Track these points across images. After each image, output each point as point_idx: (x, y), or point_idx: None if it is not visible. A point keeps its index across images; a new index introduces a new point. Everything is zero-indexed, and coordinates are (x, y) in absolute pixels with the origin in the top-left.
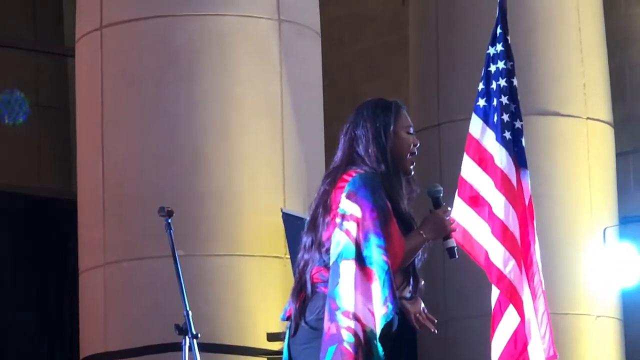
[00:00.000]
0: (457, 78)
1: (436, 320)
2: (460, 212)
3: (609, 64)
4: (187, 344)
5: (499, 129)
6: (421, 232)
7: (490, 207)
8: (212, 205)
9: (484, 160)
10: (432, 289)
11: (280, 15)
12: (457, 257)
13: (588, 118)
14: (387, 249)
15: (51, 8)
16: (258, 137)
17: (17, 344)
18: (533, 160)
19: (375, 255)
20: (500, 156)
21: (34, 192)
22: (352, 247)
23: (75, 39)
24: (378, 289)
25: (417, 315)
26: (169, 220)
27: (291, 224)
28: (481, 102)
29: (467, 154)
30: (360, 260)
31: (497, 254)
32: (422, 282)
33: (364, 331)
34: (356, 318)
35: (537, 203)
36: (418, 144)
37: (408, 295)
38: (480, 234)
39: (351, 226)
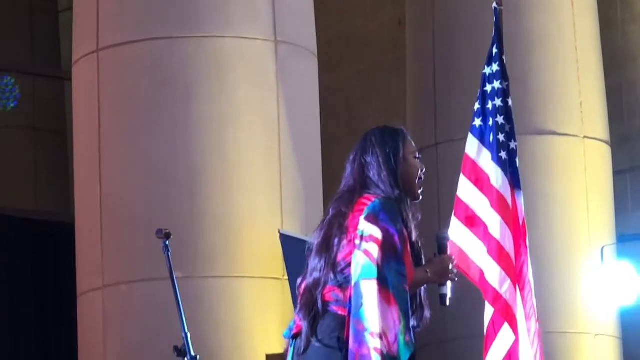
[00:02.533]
0: (454, 98)
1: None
2: (456, 232)
3: (605, 83)
4: None
5: (494, 149)
6: (427, 270)
7: (486, 227)
8: (209, 227)
9: (479, 180)
10: (431, 309)
11: (277, 36)
12: (447, 305)
13: (585, 137)
14: (407, 277)
15: (48, 31)
16: (255, 159)
17: None
18: (530, 179)
19: (396, 282)
20: (496, 176)
21: (31, 215)
22: (374, 268)
23: (72, 62)
24: (397, 314)
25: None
26: (167, 243)
27: (289, 245)
28: (477, 122)
29: (464, 173)
30: (382, 281)
31: (493, 274)
32: (428, 312)
33: (383, 353)
34: (381, 338)
35: (534, 222)
36: (424, 170)
37: (413, 323)
38: (476, 254)
39: (371, 247)
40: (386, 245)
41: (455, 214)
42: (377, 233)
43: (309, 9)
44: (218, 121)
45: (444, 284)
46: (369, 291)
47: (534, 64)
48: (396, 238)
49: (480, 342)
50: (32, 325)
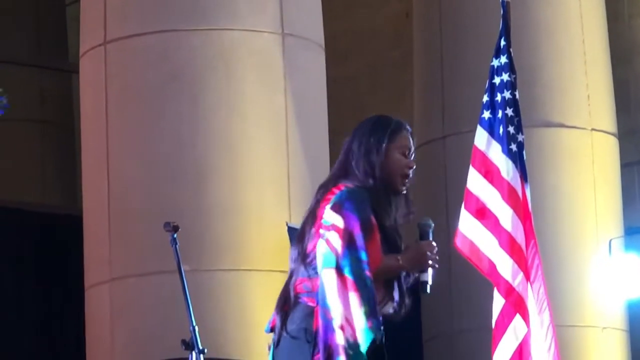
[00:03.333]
0: (461, 90)
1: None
2: (467, 225)
3: (613, 75)
4: (194, 359)
5: (505, 141)
6: (399, 257)
7: (497, 219)
8: (217, 220)
9: (490, 173)
10: (439, 302)
11: (284, 29)
12: (428, 292)
13: (592, 129)
14: (369, 264)
15: (55, 24)
16: (263, 151)
17: None
18: (538, 172)
19: (355, 268)
20: (507, 168)
21: (38, 208)
22: (333, 257)
23: (79, 55)
24: (357, 300)
25: (432, 255)
26: (175, 236)
27: None
28: (486, 114)
29: (473, 166)
30: (341, 269)
31: (506, 267)
32: (408, 299)
33: (348, 341)
34: (342, 328)
35: (542, 215)
36: (413, 167)
37: (391, 311)
38: (487, 246)
39: (332, 236)
40: (346, 234)
41: (465, 206)
42: (339, 222)
43: (316, 1)
44: (225, 114)
45: (424, 271)
46: (329, 280)
47: (542, 57)
48: (358, 226)
49: (489, 335)
50: (39, 319)
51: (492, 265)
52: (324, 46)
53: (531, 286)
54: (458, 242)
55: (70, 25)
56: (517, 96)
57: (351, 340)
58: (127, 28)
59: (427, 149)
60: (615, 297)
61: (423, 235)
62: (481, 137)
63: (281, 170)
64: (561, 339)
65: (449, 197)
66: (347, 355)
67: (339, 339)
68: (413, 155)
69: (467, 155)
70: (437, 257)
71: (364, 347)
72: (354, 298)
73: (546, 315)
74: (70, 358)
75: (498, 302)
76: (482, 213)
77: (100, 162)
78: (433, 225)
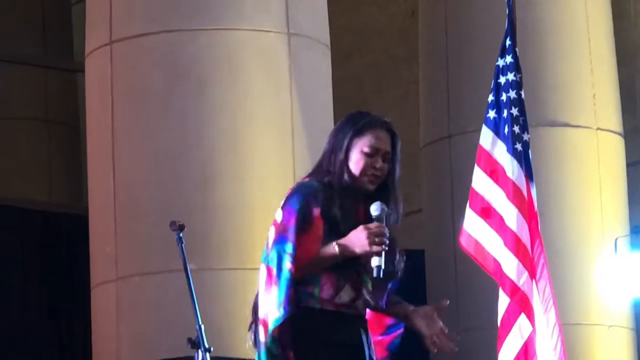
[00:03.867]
0: (467, 89)
1: (456, 338)
2: (472, 224)
3: (618, 74)
4: (200, 357)
5: (510, 141)
6: (335, 244)
7: (502, 219)
8: (223, 219)
9: (495, 172)
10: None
11: (290, 28)
12: (380, 277)
13: (598, 128)
14: (296, 257)
15: (60, 24)
16: (268, 151)
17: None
18: (543, 171)
19: (279, 261)
20: (512, 168)
21: (44, 207)
22: (265, 251)
23: (84, 54)
24: (276, 292)
25: (434, 338)
26: (181, 235)
27: None
28: (491, 114)
29: (478, 165)
30: (268, 262)
31: (511, 266)
32: (366, 292)
33: (266, 334)
34: (264, 323)
35: (547, 214)
36: (376, 166)
37: (346, 299)
38: (492, 246)
39: (270, 231)
40: (280, 227)
41: (470, 206)
42: (279, 216)
43: (322, 1)
44: (231, 113)
45: (377, 255)
46: (261, 275)
47: (547, 56)
48: (294, 218)
49: (494, 334)
50: (45, 318)
51: (497, 265)
52: (329, 45)
53: (536, 285)
54: (463, 241)
55: (76, 24)
56: (523, 95)
57: (269, 332)
58: (133, 28)
59: (432, 149)
60: (621, 296)
61: (371, 219)
62: (486, 137)
63: (287, 169)
64: (567, 337)
65: (455, 196)
66: (266, 349)
67: (261, 335)
68: (385, 154)
69: (472, 154)
70: (385, 239)
71: (269, 335)
72: (274, 291)
73: (552, 314)
74: (76, 357)
75: (503, 301)
76: (487, 212)
77: (105, 162)
78: (382, 208)
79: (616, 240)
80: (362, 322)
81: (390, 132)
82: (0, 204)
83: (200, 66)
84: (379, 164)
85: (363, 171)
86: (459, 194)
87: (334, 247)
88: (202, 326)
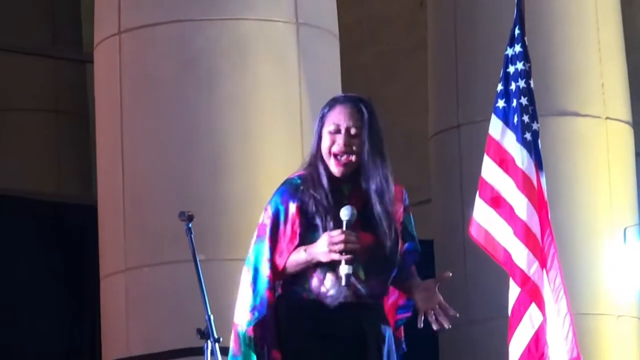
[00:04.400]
0: (476, 79)
1: (457, 315)
2: (481, 213)
3: (627, 64)
4: (209, 348)
5: (519, 130)
6: (302, 250)
7: (512, 208)
8: (232, 210)
9: (504, 162)
10: (454, 291)
11: (299, 18)
12: (347, 285)
13: (607, 118)
14: (272, 260)
15: (69, 14)
16: (277, 141)
17: (38, 350)
18: (552, 160)
19: (256, 264)
20: (522, 157)
21: (53, 198)
22: (247, 254)
23: (93, 44)
24: (250, 297)
25: (430, 311)
26: (190, 225)
27: None
28: (500, 104)
29: (488, 155)
30: (247, 264)
31: (521, 256)
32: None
33: (237, 334)
34: (234, 330)
35: (556, 204)
36: (339, 142)
37: (333, 291)
38: (502, 235)
39: (255, 233)
40: (259, 229)
41: (479, 195)
42: (261, 217)
43: None
44: (240, 104)
45: (346, 263)
46: (242, 278)
47: (556, 45)
48: (270, 218)
49: (505, 324)
50: (55, 309)
51: (507, 255)
52: (338, 35)
53: (547, 275)
54: (473, 231)
55: (85, 15)
56: (532, 85)
57: (242, 332)
58: (142, 18)
59: (441, 138)
60: (630, 286)
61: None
62: (496, 126)
63: (296, 160)
64: (576, 327)
65: (464, 186)
66: (242, 354)
67: (231, 343)
68: (350, 131)
69: (481, 144)
70: (350, 246)
71: (243, 336)
72: (247, 297)
73: (563, 303)
74: (85, 347)
75: (514, 291)
76: (497, 202)
77: (115, 152)
78: (351, 213)
79: (625, 229)
80: (367, 311)
81: (358, 108)
82: (10, 194)
83: (209, 56)
84: (343, 140)
85: (329, 150)
86: (468, 184)
87: (304, 253)
88: (212, 317)
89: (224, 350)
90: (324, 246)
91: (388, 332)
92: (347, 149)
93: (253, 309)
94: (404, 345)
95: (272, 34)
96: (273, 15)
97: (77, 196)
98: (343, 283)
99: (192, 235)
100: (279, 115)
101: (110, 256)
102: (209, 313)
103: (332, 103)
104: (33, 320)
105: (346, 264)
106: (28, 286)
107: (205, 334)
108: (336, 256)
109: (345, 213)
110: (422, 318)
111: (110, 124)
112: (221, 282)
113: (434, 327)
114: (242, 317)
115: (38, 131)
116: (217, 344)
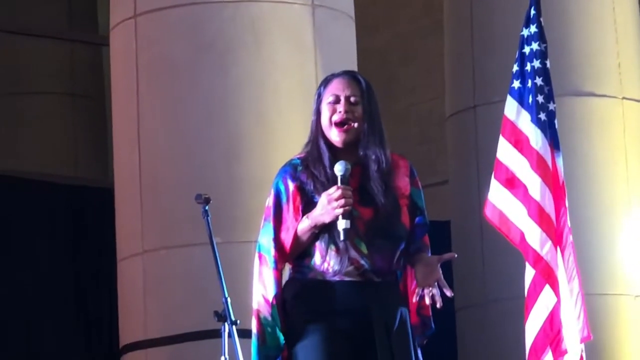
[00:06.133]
0: (492, 60)
1: (452, 294)
2: (496, 194)
3: None
4: (227, 330)
5: (534, 111)
6: (305, 217)
7: (526, 189)
8: (249, 192)
9: (519, 142)
10: (471, 272)
11: (314, 0)
12: (345, 240)
13: (624, 98)
14: (276, 240)
15: None
16: (293, 123)
17: (55, 332)
18: (569, 141)
19: (263, 243)
20: (536, 137)
21: (70, 181)
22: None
23: (109, 27)
24: (271, 277)
25: (426, 289)
26: (206, 208)
27: None
28: (516, 84)
29: (503, 135)
30: (259, 248)
31: (534, 236)
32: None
33: (259, 318)
34: (256, 313)
35: (573, 184)
36: (340, 109)
37: (337, 267)
38: (517, 216)
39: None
40: (265, 212)
41: (495, 176)
42: (266, 201)
43: None
44: (256, 86)
45: (343, 218)
46: (254, 263)
47: (572, 26)
48: (273, 199)
49: (521, 304)
50: (72, 292)
51: (522, 235)
52: (354, 17)
53: (562, 254)
54: (488, 212)
55: None
56: (548, 65)
57: (262, 316)
58: (157, 1)
59: (457, 119)
60: None
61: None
62: (511, 107)
63: None
64: (593, 307)
65: (480, 166)
66: (261, 331)
67: (253, 326)
68: (350, 99)
69: (497, 125)
70: (342, 201)
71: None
72: (268, 275)
73: (575, 283)
74: (103, 330)
75: (529, 271)
76: (512, 182)
77: (131, 135)
78: (345, 167)
79: None
80: (373, 289)
81: (355, 79)
82: (27, 178)
83: (224, 39)
84: (343, 107)
85: (329, 120)
86: (484, 165)
87: (307, 219)
88: (229, 299)
89: (241, 333)
90: (326, 205)
91: (401, 311)
92: (349, 114)
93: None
94: (432, 324)
95: (287, 15)
96: None
97: (94, 179)
98: (342, 237)
99: (208, 218)
100: (294, 97)
101: (127, 239)
102: (226, 295)
103: (327, 78)
104: (51, 303)
105: (343, 218)
106: (46, 269)
107: (222, 317)
108: (340, 211)
109: (339, 168)
110: (420, 293)
111: (127, 107)
112: (238, 265)
113: (427, 301)
114: (258, 300)
115: (54, 114)
116: (234, 327)
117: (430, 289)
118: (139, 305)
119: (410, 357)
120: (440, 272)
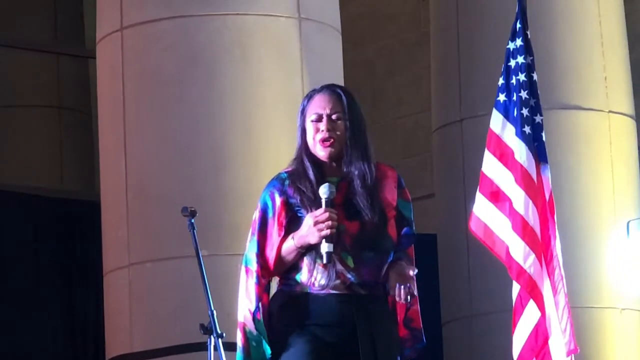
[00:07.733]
0: (478, 74)
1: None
2: (481, 208)
3: (629, 57)
4: (213, 343)
5: (518, 124)
6: (291, 237)
7: (510, 202)
8: (234, 205)
9: (504, 155)
10: (458, 285)
11: (301, 13)
12: (329, 262)
13: (610, 111)
14: (260, 255)
15: (71, 10)
16: (280, 136)
17: (42, 346)
18: (555, 154)
19: (248, 258)
20: (520, 151)
21: (56, 194)
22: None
23: (95, 40)
24: (244, 294)
25: (319, 224)
26: (192, 220)
27: None
28: (501, 97)
29: (488, 149)
30: (244, 262)
31: (517, 249)
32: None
33: (244, 331)
34: (241, 327)
35: (559, 197)
36: (322, 128)
37: (323, 281)
38: (501, 229)
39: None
40: (252, 226)
41: (480, 190)
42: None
43: None
44: (242, 99)
45: (327, 241)
46: (240, 278)
47: (558, 39)
48: (259, 214)
49: (507, 317)
50: (58, 304)
51: (506, 249)
52: (340, 30)
53: (547, 268)
54: (473, 225)
55: (87, 10)
56: (535, 78)
57: (248, 329)
58: (144, 14)
59: (444, 132)
60: (633, 279)
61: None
62: (496, 120)
63: None
64: (580, 320)
65: (466, 180)
66: (246, 344)
67: (238, 339)
68: (332, 117)
69: (483, 138)
70: (329, 223)
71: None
72: (252, 288)
73: (562, 296)
74: (89, 343)
75: (516, 284)
76: (496, 196)
77: (117, 148)
78: (330, 191)
79: (628, 223)
80: (360, 301)
81: (336, 93)
82: (13, 190)
83: (211, 51)
84: (325, 126)
85: (314, 138)
86: (470, 178)
87: (292, 240)
88: (215, 312)
89: (227, 346)
90: (311, 227)
91: (388, 324)
92: (331, 133)
93: (256, 310)
94: (423, 338)
95: (274, 28)
96: (275, 10)
97: (80, 192)
98: (324, 261)
99: (194, 231)
100: (281, 109)
101: (113, 252)
102: (212, 308)
103: (310, 94)
104: (36, 316)
105: (326, 242)
106: (31, 282)
107: (208, 329)
108: (327, 232)
109: (323, 191)
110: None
111: (113, 120)
112: (224, 278)
113: (396, 298)
114: (244, 314)
115: (41, 127)
116: (220, 339)
117: (401, 285)
118: (125, 318)
119: None
120: (414, 280)
